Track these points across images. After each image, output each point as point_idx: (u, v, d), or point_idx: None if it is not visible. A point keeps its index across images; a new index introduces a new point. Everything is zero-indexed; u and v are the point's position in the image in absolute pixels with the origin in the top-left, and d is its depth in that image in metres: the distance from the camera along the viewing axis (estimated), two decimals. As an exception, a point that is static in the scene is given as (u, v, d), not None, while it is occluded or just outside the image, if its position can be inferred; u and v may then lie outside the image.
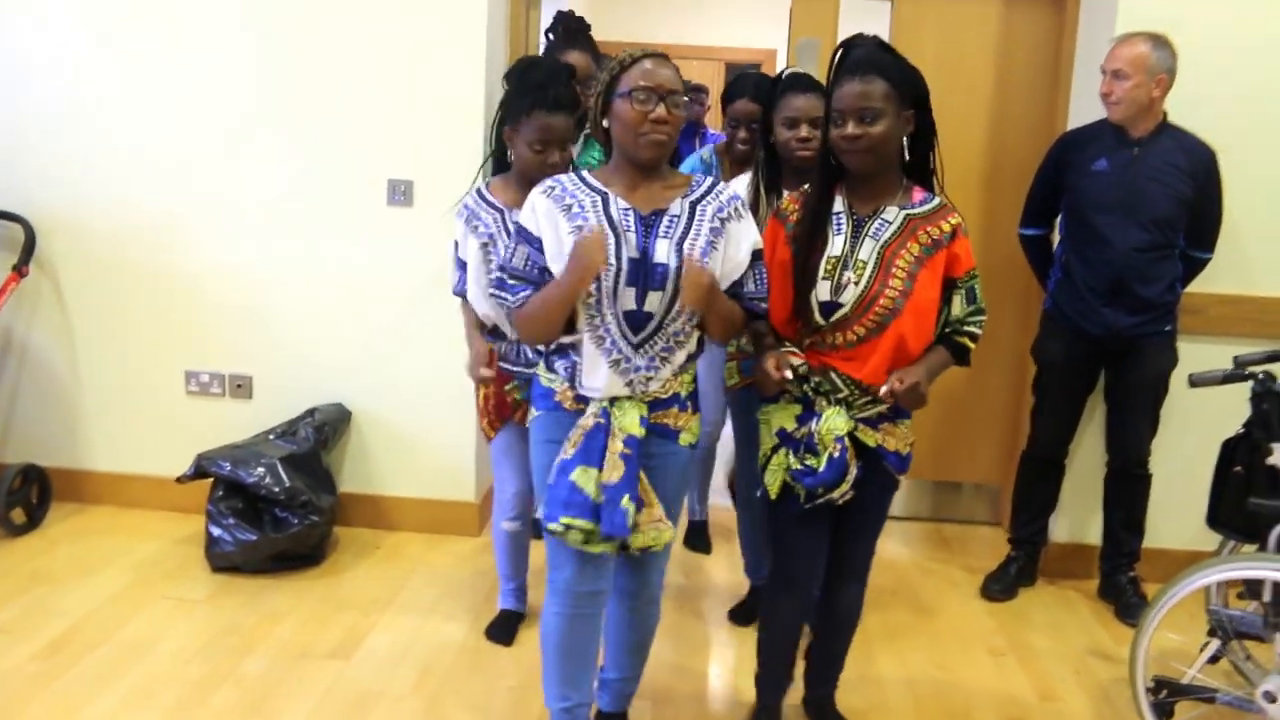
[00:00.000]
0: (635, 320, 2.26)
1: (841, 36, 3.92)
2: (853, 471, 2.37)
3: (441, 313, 3.67)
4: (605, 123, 2.29)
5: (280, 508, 3.47)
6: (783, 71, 3.01)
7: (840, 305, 2.34)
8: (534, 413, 2.40)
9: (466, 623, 3.26)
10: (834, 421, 2.36)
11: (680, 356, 2.33)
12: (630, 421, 2.27)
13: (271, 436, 3.68)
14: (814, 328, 2.37)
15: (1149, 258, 3.32)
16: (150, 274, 3.88)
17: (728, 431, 3.41)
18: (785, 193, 2.81)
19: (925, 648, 3.25)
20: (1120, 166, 3.32)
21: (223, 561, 3.47)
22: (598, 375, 2.28)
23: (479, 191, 2.86)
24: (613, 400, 2.28)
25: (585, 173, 2.34)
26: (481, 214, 2.82)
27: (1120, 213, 3.31)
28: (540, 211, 2.28)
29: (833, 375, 2.38)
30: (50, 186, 3.85)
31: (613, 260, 2.22)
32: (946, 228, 2.35)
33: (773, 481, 2.45)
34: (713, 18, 8.68)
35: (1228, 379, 2.65)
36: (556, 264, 2.25)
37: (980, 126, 4.01)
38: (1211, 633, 2.62)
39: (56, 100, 3.81)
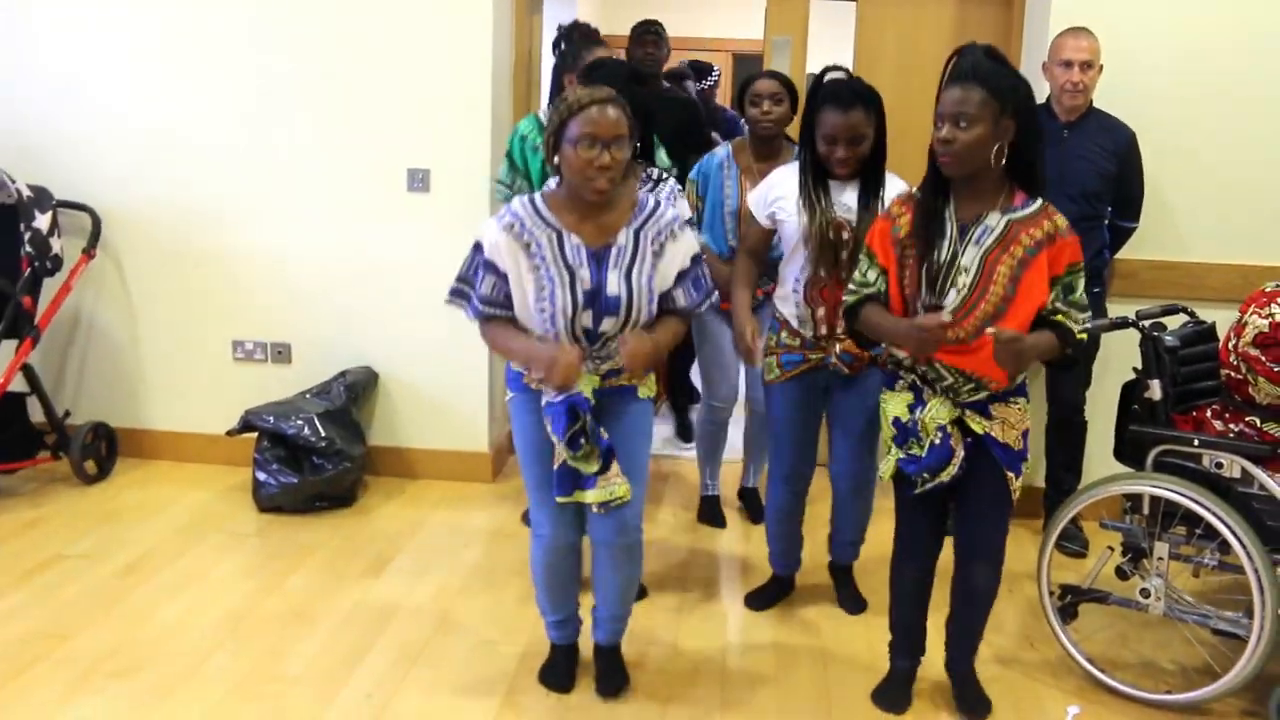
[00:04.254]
0: (591, 337, 2.51)
1: (811, 34, 4.45)
2: (959, 455, 2.50)
3: (456, 285, 4.16)
4: (555, 160, 2.47)
5: (318, 455, 3.96)
6: (825, 70, 3.02)
7: (941, 309, 2.42)
8: (509, 394, 2.68)
9: (478, 551, 3.74)
10: (936, 411, 2.49)
11: None
12: (585, 390, 2.51)
13: (309, 395, 4.19)
14: None
15: (1078, 228, 3.65)
16: (200, 255, 4.37)
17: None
18: (830, 183, 3.00)
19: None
20: (1052, 147, 3.72)
21: (268, 503, 3.97)
22: None
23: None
24: None
25: (540, 199, 2.53)
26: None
27: (1052, 188, 3.70)
28: (503, 250, 2.47)
29: (938, 366, 2.49)
30: (114, 180, 4.35)
31: (569, 299, 2.45)
32: (1049, 227, 2.41)
33: (885, 469, 2.63)
34: (721, 10, 9.06)
35: (1113, 326, 3.07)
36: (517, 294, 2.48)
37: (939, 113, 4.42)
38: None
39: (117, 105, 4.31)
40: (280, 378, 4.39)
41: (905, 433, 2.55)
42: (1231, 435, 2.85)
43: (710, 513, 4.09)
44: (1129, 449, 3.04)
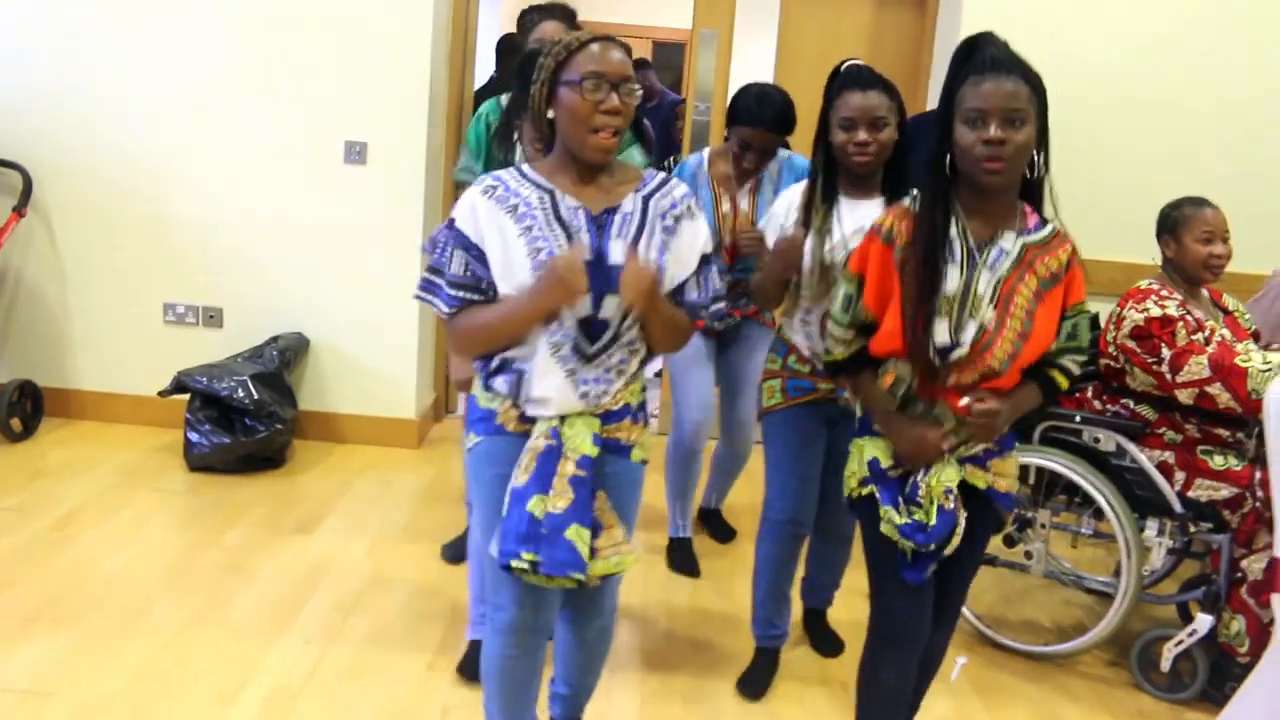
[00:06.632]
0: (591, 329, 2.04)
1: (737, 28, 4.67)
2: (961, 524, 2.12)
3: (388, 255, 4.30)
4: (550, 113, 2.02)
5: (250, 417, 4.06)
6: (841, 64, 2.66)
7: (958, 345, 2.04)
8: (473, 438, 2.14)
9: (407, 511, 3.90)
10: (945, 473, 2.12)
11: (633, 365, 2.15)
12: (583, 440, 2.06)
13: (240, 359, 4.27)
14: (927, 367, 2.08)
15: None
16: (133, 217, 4.41)
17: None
18: (844, 198, 2.65)
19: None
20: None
21: (199, 462, 4.06)
22: (549, 383, 2.05)
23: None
24: (562, 418, 2.07)
25: (527, 166, 2.09)
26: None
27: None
28: (482, 217, 2.02)
29: (939, 411, 2.12)
30: (47, 139, 4.36)
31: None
32: (1064, 257, 2.10)
33: (889, 532, 2.14)
34: (644, -2, 9.25)
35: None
36: (504, 275, 2.02)
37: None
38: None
39: (55, 63, 4.31)
40: (211, 341, 4.45)
41: (890, 486, 2.15)
42: (1109, 414, 3.15)
43: (683, 559, 3.62)
44: (1018, 424, 3.32)
